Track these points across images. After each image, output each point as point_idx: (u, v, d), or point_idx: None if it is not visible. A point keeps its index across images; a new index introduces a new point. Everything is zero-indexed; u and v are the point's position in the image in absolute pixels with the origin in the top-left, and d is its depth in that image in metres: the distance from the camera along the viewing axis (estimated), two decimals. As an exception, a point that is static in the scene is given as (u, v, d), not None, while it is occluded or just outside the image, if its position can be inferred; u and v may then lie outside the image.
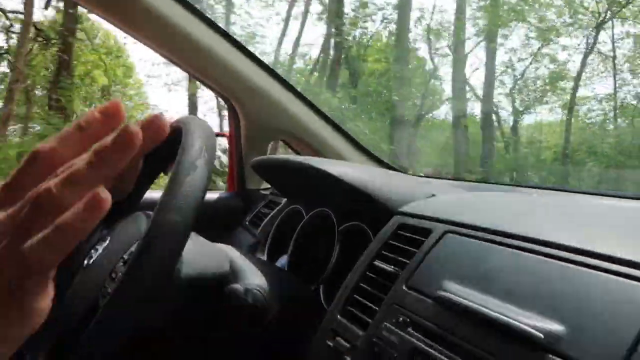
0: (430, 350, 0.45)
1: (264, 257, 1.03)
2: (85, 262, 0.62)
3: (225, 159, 1.48)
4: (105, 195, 0.26)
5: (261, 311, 0.61)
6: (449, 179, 1.07)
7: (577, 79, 9.59)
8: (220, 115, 8.27)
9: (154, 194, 0.92)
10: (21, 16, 6.20)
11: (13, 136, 6.73)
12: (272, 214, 1.15)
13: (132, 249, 0.56)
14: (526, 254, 0.47)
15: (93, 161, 0.26)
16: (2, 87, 6.99)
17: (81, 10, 6.76)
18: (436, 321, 0.47)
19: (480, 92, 10.45)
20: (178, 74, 9.05)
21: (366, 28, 9.99)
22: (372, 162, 1.38)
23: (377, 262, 0.61)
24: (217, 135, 1.42)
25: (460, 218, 0.57)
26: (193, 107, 8.51)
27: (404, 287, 0.53)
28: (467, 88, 10.45)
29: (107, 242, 0.62)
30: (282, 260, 0.98)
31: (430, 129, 10.80)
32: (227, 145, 1.43)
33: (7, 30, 6.35)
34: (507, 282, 0.45)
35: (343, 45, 9.50)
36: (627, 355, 0.34)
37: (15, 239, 0.24)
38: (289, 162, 0.90)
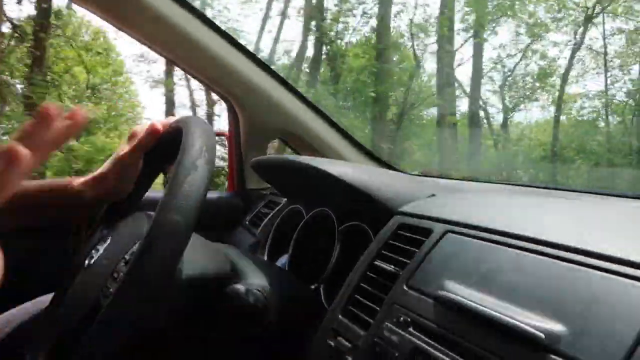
0: (432, 349, 0.45)
1: (264, 257, 1.04)
2: (87, 262, 0.62)
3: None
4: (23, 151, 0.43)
5: (262, 311, 0.62)
6: (448, 179, 1.08)
7: (565, 75, 9.57)
8: (195, 111, 8.21)
9: (154, 193, 0.92)
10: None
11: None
12: (272, 213, 1.15)
13: (134, 249, 0.56)
14: (527, 253, 0.47)
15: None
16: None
17: (60, 5, 6.72)
18: (437, 321, 0.47)
19: (467, 89, 10.38)
20: (159, 71, 8.99)
21: (347, 23, 9.89)
22: (372, 162, 1.39)
23: (377, 262, 0.61)
24: (217, 135, 1.42)
25: (460, 218, 0.57)
26: (170, 103, 8.44)
27: (404, 287, 0.53)
28: (455, 85, 10.37)
29: (108, 242, 0.62)
30: (282, 260, 0.98)
31: (419, 127, 10.68)
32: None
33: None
34: (508, 282, 0.45)
35: (324, 41, 9.39)
36: (628, 355, 0.34)
37: None
38: (288, 162, 0.90)
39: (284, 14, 9.14)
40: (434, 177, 1.20)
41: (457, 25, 10.03)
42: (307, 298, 0.77)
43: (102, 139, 8.82)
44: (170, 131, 0.69)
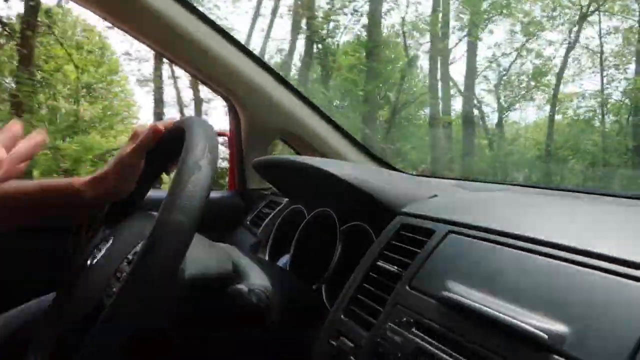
0: (435, 350, 0.45)
1: (265, 257, 1.04)
2: (89, 262, 0.62)
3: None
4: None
5: (264, 311, 0.62)
6: (449, 179, 1.08)
7: (560, 74, 9.52)
8: (182, 109, 8.16)
9: (155, 193, 0.92)
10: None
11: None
12: (273, 213, 1.15)
13: (137, 248, 0.56)
14: (530, 254, 0.47)
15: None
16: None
17: (49, 3, 6.66)
18: (440, 321, 0.47)
19: (461, 89, 10.31)
20: (150, 69, 8.91)
21: (338, 21, 9.79)
22: (373, 162, 1.39)
23: (380, 263, 0.61)
24: (218, 135, 1.42)
25: (463, 218, 0.57)
26: (158, 101, 8.36)
27: (407, 288, 0.53)
28: (450, 84, 10.30)
29: (111, 242, 0.62)
30: (283, 260, 0.98)
31: (415, 127, 10.59)
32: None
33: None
34: (510, 282, 0.45)
35: (314, 39, 9.33)
36: (632, 356, 0.34)
37: None
38: (290, 162, 0.90)
39: (274, 12, 9.06)
40: (435, 177, 1.20)
41: (452, 24, 9.99)
42: (308, 298, 0.77)
43: (96, 138, 8.72)
44: (172, 131, 0.69)
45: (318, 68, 9.74)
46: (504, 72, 10.28)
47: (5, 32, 6.59)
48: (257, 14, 8.98)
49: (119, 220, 0.70)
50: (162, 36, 1.11)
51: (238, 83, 1.22)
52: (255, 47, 9.67)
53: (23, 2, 6.57)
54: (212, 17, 1.14)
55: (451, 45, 10.12)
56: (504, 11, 9.66)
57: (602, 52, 9.32)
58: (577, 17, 9.16)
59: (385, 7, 9.48)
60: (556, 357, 0.37)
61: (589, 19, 9.22)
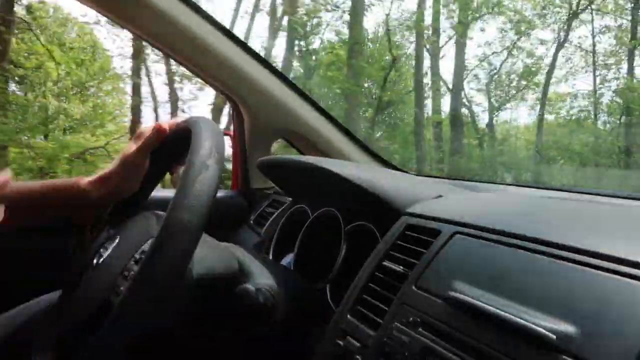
0: (442, 349, 0.45)
1: (269, 257, 1.04)
2: (95, 261, 0.62)
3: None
4: None
5: (270, 310, 0.62)
6: (453, 179, 1.08)
7: (550, 73, 9.46)
8: (156, 108, 8.07)
9: (159, 193, 0.92)
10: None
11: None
12: (276, 213, 1.15)
13: (144, 247, 0.56)
14: (536, 255, 0.47)
15: None
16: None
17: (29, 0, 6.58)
18: (447, 321, 0.47)
19: (450, 87, 10.20)
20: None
21: (320, 17, 9.61)
22: (376, 162, 1.39)
23: (385, 263, 0.61)
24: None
25: (468, 219, 0.57)
26: (137, 99, 8.25)
27: (413, 288, 0.53)
28: (440, 83, 10.18)
29: (117, 241, 0.62)
30: (287, 260, 0.99)
31: (405, 125, 10.46)
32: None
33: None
34: (517, 283, 0.46)
35: (295, 36, 9.22)
36: (639, 356, 0.34)
37: None
38: (294, 162, 0.90)
39: (255, 7, 8.87)
40: (437, 177, 1.20)
41: (441, 21, 9.89)
42: (313, 298, 0.77)
43: (77, 136, 8.65)
44: (177, 131, 0.69)
45: (301, 66, 9.68)
46: (495, 72, 10.23)
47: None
48: (237, 10, 8.82)
49: (123, 219, 0.70)
50: (166, 36, 1.12)
51: (242, 83, 1.22)
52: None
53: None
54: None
55: (441, 44, 10.05)
56: (495, 9, 9.59)
57: (594, 52, 9.28)
58: (565, 16, 9.11)
59: (367, 1, 9.30)
60: (564, 357, 0.37)
61: (582, 17, 9.18)
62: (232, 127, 1.44)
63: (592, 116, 9.20)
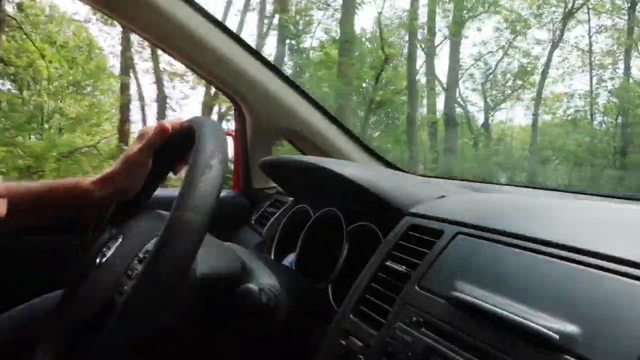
0: (445, 349, 0.45)
1: (271, 256, 1.04)
2: (98, 260, 0.62)
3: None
4: None
5: (273, 310, 0.62)
6: (455, 180, 1.08)
7: (544, 72, 9.42)
8: (143, 107, 8.01)
9: (162, 192, 0.93)
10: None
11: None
12: (278, 213, 1.16)
13: (147, 247, 0.56)
14: (540, 256, 0.47)
15: None
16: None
17: None
18: (450, 321, 0.47)
19: (442, 87, 10.12)
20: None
21: (312, 15, 9.52)
22: (378, 162, 1.39)
23: (388, 263, 0.61)
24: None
25: (472, 220, 0.58)
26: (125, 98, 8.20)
27: (416, 288, 0.54)
28: (435, 82, 10.10)
29: (120, 240, 0.63)
30: (289, 259, 0.99)
31: (397, 125, 10.37)
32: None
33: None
34: (520, 283, 0.46)
35: (286, 35, 9.08)
36: None
37: None
38: (296, 162, 0.90)
39: (245, 7, 8.77)
40: (440, 178, 1.20)
41: (436, 20, 9.81)
42: (315, 297, 0.77)
43: (70, 136, 8.59)
44: (180, 131, 0.69)
45: (291, 65, 9.62)
46: (490, 71, 10.18)
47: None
48: (228, 7, 8.70)
49: (126, 219, 0.70)
50: (168, 36, 1.12)
51: (244, 83, 1.23)
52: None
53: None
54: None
55: (437, 43, 9.99)
56: (491, 8, 9.54)
57: (590, 51, 9.25)
58: (561, 16, 9.06)
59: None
60: (567, 357, 0.37)
61: (579, 17, 9.15)
62: (233, 127, 1.44)
63: (589, 116, 9.17)
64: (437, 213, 0.63)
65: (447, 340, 0.46)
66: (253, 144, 1.37)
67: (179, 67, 7.16)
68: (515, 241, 0.51)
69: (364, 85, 9.82)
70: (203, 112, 7.02)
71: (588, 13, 9.08)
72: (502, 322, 0.42)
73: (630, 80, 8.46)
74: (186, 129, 0.66)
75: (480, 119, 10.33)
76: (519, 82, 9.94)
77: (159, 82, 7.51)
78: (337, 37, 9.28)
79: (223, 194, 1.40)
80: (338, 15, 9.36)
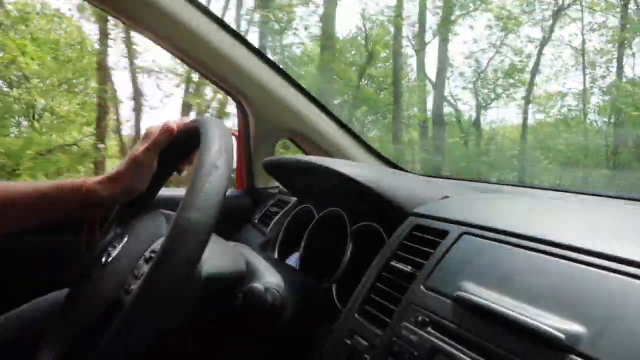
0: (451, 349, 0.45)
1: (275, 256, 1.04)
2: (104, 259, 0.62)
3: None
4: None
5: (278, 310, 0.62)
6: (458, 180, 1.08)
7: (534, 70, 9.34)
8: (117, 106, 7.90)
9: (166, 192, 0.93)
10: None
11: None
12: (281, 212, 1.16)
13: (153, 246, 0.56)
14: (545, 256, 0.47)
15: None
16: None
17: None
18: (455, 321, 0.47)
19: (432, 85, 10.01)
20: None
21: (293, 12, 9.17)
22: (381, 162, 1.39)
23: (393, 263, 0.61)
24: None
25: (476, 220, 0.58)
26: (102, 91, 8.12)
27: (421, 287, 0.54)
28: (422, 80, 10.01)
29: (125, 240, 0.63)
30: (292, 259, 0.99)
31: (387, 125, 10.24)
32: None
33: None
34: (525, 283, 0.46)
35: (265, 32, 8.91)
36: None
37: None
38: (300, 162, 0.90)
39: (225, 8, 8.62)
40: (443, 178, 1.20)
41: (425, 17, 9.69)
42: (320, 297, 0.77)
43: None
44: (186, 131, 0.69)
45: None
46: (481, 70, 10.07)
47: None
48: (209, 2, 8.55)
49: (131, 219, 0.70)
50: (171, 35, 1.12)
51: (247, 83, 1.23)
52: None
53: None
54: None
55: (427, 40, 9.88)
56: (482, 5, 9.44)
57: (584, 50, 9.17)
58: (553, 12, 8.97)
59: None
60: (573, 357, 0.37)
61: (572, 15, 9.07)
62: (236, 126, 1.44)
63: (582, 115, 9.11)
64: (442, 213, 0.63)
65: (452, 340, 0.46)
66: (256, 143, 1.37)
67: (163, 63, 7.11)
68: (520, 241, 0.51)
69: (350, 83, 9.73)
70: (182, 110, 7.00)
71: (581, 11, 9.03)
72: (507, 322, 0.42)
73: (623, 80, 8.42)
74: (191, 129, 0.66)
75: (471, 117, 10.26)
76: (510, 81, 9.86)
77: (134, 79, 7.45)
78: (320, 34, 9.14)
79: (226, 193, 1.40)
80: (320, 11, 9.24)
